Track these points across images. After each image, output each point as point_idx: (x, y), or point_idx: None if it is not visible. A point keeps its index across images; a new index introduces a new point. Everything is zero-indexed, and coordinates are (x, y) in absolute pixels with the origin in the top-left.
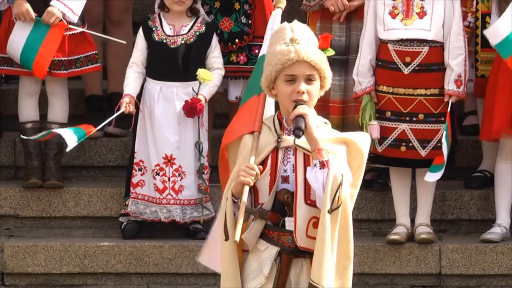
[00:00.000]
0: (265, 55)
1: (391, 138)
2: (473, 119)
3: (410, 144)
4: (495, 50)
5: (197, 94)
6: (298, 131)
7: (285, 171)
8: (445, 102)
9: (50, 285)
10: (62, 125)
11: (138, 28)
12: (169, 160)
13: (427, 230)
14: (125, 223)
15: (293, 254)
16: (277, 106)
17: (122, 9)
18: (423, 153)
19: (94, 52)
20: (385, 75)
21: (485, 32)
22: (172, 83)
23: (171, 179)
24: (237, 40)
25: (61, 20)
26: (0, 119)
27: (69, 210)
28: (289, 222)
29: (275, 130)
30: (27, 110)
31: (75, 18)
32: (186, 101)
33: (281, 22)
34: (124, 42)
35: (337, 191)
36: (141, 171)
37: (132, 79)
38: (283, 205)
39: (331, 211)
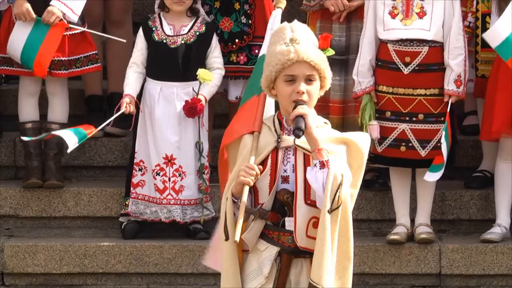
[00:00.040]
0: (265, 55)
1: (391, 138)
2: (473, 119)
3: (410, 144)
4: (495, 50)
5: (197, 94)
6: (298, 131)
7: (285, 171)
8: (444, 102)
9: (50, 285)
10: (62, 125)
11: (138, 28)
12: (169, 160)
13: (427, 230)
14: (125, 223)
15: (293, 254)
16: (277, 106)
17: (122, 9)
18: (423, 153)
19: (94, 52)
20: (385, 75)
21: (484, 35)
22: (172, 83)
23: (172, 179)
24: (237, 40)
25: (61, 19)
26: (0, 119)
27: (69, 210)
28: (289, 222)
29: (275, 130)
30: (27, 110)
31: (75, 18)
32: (187, 101)
33: (281, 22)
34: (124, 41)
35: (337, 191)
36: (141, 171)
37: (132, 79)
38: (283, 205)
39: (331, 211)
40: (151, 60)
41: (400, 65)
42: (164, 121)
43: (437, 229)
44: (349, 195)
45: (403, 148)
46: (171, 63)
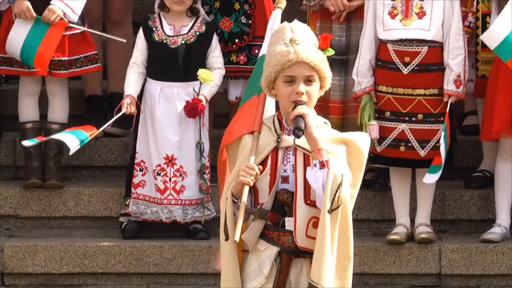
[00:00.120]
0: (265, 55)
1: (390, 138)
2: (473, 119)
3: (409, 144)
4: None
5: (198, 94)
6: (298, 131)
7: (285, 171)
8: (444, 102)
9: (50, 285)
10: (62, 125)
11: (138, 28)
12: (170, 161)
13: (427, 230)
14: (125, 223)
15: (293, 254)
16: (277, 106)
17: (121, 9)
18: (422, 153)
19: (94, 52)
20: (384, 75)
21: (482, 37)
22: (173, 83)
23: (172, 179)
24: (237, 40)
25: (62, 18)
26: (0, 119)
27: (69, 210)
28: (289, 222)
29: (275, 130)
30: (27, 110)
31: (75, 18)
32: (187, 102)
33: (281, 22)
34: (124, 41)
35: (337, 191)
36: (142, 171)
37: (133, 80)
38: (283, 205)
39: (331, 211)
40: (152, 60)
41: (399, 65)
42: (165, 121)
43: (437, 229)
44: (349, 195)
45: (402, 148)
46: (171, 63)
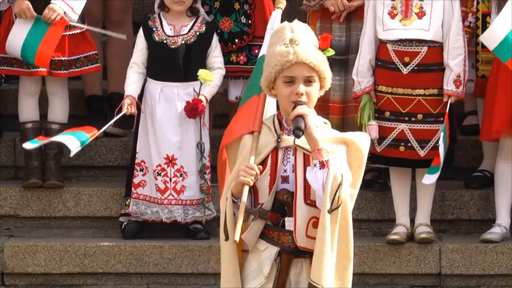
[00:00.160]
0: (265, 55)
1: (390, 138)
2: (473, 119)
3: (409, 144)
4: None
5: (198, 94)
6: (298, 131)
7: (285, 171)
8: (444, 102)
9: (50, 285)
10: (62, 125)
11: (138, 28)
12: (170, 161)
13: (427, 230)
14: (125, 223)
15: (293, 254)
16: (277, 106)
17: (121, 9)
18: (422, 153)
19: (94, 52)
20: (384, 75)
21: (481, 38)
22: (173, 84)
23: (173, 179)
24: (237, 40)
25: (62, 17)
26: (0, 119)
27: (69, 210)
28: (289, 222)
29: (275, 130)
30: (27, 110)
31: (75, 17)
32: (188, 102)
33: (281, 22)
34: (124, 37)
35: (337, 191)
36: (142, 171)
37: (133, 80)
38: (283, 205)
39: (331, 211)
40: (152, 61)
41: (399, 65)
42: (165, 122)
43: (437, 229)
44: (349, 195)
45: (402, 148)
46: (171, 63)
